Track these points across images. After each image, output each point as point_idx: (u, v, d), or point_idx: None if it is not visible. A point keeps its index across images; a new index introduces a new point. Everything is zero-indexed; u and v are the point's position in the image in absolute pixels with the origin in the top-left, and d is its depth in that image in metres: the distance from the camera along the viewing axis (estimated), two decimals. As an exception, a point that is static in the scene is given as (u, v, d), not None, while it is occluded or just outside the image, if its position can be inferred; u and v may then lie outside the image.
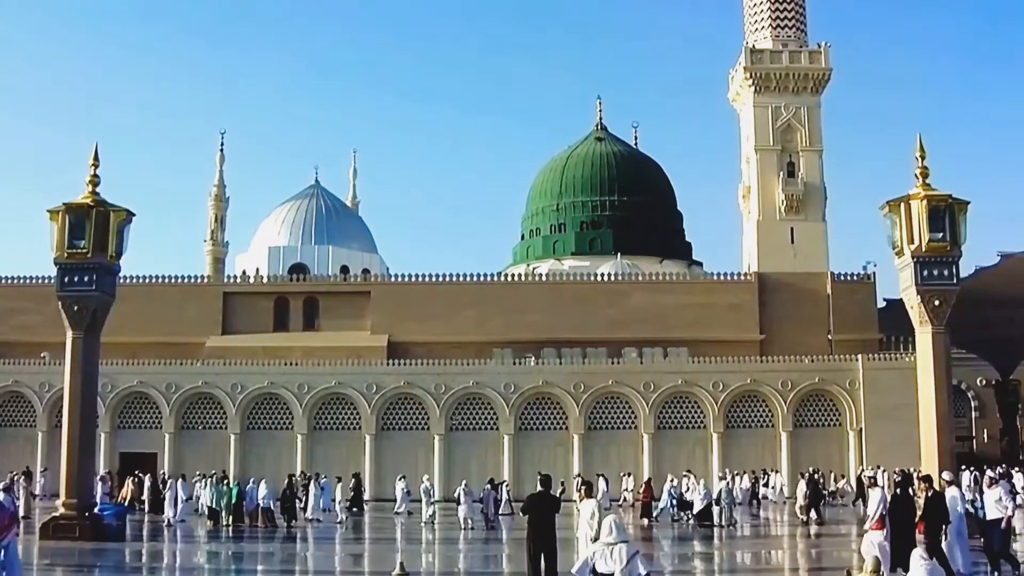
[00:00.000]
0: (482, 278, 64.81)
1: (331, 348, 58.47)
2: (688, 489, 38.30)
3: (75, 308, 28.18)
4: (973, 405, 67.35)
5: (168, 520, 35.17)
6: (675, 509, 37.78)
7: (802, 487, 37.08)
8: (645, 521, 36.89)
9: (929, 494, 18.43)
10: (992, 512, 18.76)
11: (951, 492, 19.06)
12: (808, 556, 27.08)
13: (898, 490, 19.07)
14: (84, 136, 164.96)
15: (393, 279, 65.93)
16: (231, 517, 35.08)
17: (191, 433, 54.66)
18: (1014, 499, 19.10)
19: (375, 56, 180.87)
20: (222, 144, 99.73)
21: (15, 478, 37.63)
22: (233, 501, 35.30)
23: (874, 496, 18.60)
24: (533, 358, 56.80)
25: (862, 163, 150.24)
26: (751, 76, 65.68)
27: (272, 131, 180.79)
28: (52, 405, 51.52)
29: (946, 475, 21.21)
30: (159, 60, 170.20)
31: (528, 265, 77.05)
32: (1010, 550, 19.31)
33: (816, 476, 40.71)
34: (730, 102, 70.71)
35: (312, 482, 40.08)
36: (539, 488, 17.14)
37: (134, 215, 29.36)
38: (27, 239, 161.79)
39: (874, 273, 63.76)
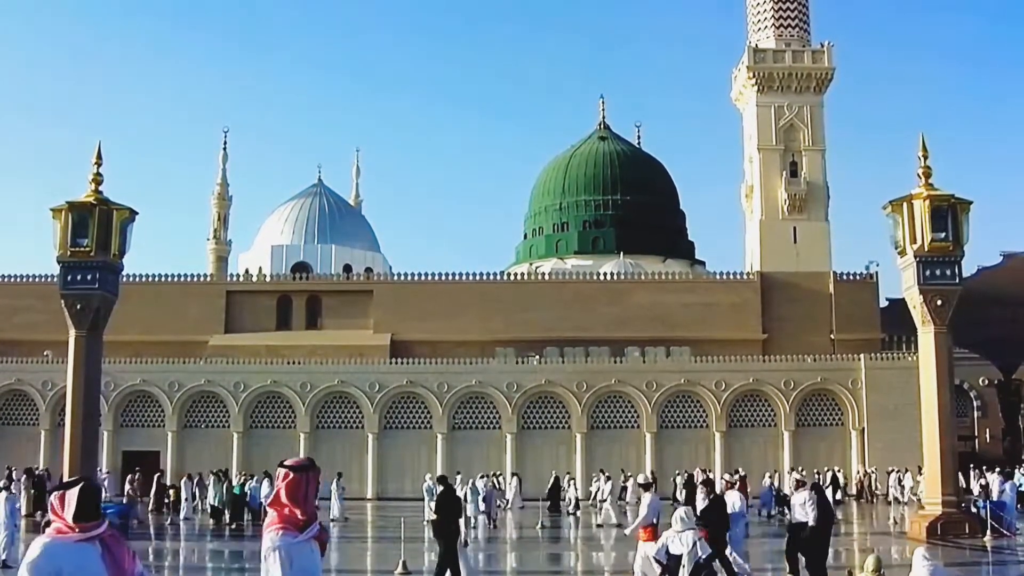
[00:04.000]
0: (485, 277, 64.83)
1: (334, 347, 58.55)
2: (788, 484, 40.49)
3: (78, 306, 28.17)
4: (975, 405, 67.38)
5: (171, 519, 35.23)
6: (772, 505, 39.03)
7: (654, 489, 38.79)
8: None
9: (711, 498, 18.06)
10: (798, 515, 17.98)
11: (731, 496, 18.29)
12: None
13: (815, 495, 18.38)
14: (87, 134, 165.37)
15: (396, 278, 66.02)
16: (233, 515, 35.12)
17: (194, 431, 54.70)
18: (819, 505, 18.22)
19: (378, 55, 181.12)
20: (225, 142, 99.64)
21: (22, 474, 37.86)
22: (238, 497, 35.36)
23: (644, 500, 16.75)
24: (536, 357, 56.79)
25: (865, 163, 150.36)
26: (754, 76, 65.70)
27: (275, 130, 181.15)
28: (55, 403, 51.50)
29: (726, 476, 20.74)
30: (162, 58, 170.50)
31: (531, 264, 77.07)
32: (822, 559, 17.92)
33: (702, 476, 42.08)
34: (733, 102, 70.74)
35: (335, 482, 39.87)
36: (442, 488, 18.69)
37: (137, 213, 29.35)
38: (30, 237, 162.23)
39: (876, 273, 63.86)
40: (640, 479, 19.56)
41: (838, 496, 46.49)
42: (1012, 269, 49.79)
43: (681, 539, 14.20)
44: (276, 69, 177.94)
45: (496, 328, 60.29)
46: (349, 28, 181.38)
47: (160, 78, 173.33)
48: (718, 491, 19.36)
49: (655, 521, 16.15)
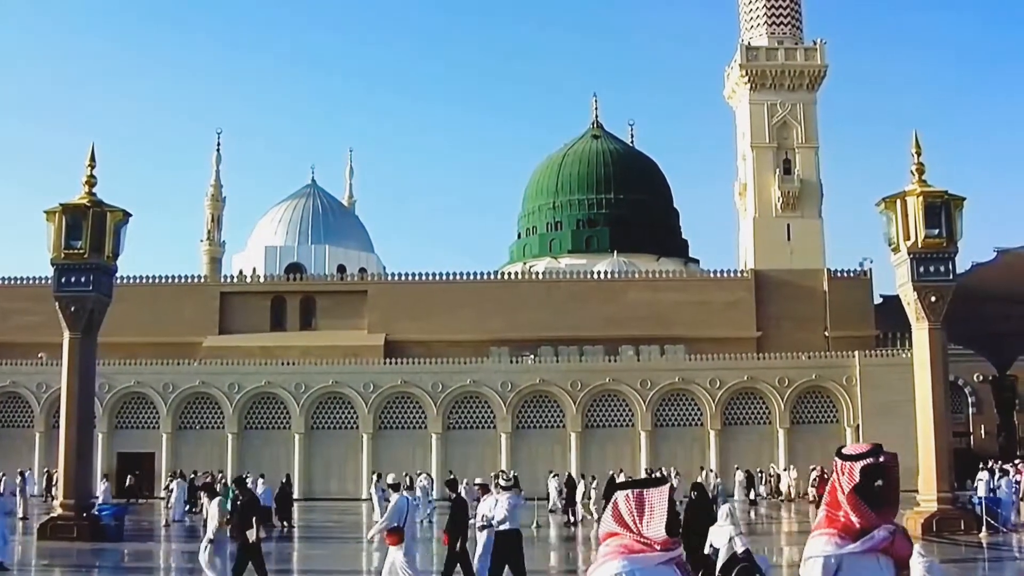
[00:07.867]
0: (479, 277, 64.82)
1: (328, 347, 58.45)
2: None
3: (72, 308, 28.14)
4: (970, 401, 67.39)
5: (167, 520, 35.16)
6: None
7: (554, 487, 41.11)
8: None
9: (452, 499, 17.63)
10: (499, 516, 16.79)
11: (486, 500, 17.43)
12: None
13: (694, 494, 18.22)
14: (81, 136, 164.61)
15: (390, 278, 65.98)
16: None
17: (188, 433, 54.58)
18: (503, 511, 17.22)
19: (371, 55, 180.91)
20: (218, 144, 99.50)
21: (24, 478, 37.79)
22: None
23: (391, 501, 15.72)
24: (530, 356, 56.78)
25: (858, 160, 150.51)
26: (747, 73, 65.71)
27: (268, 130, 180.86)
28: (50, 405, 51.37)
29: (479, 480, 20.13)
30: (155, 60, 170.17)
31: (525, 263, 77.05)
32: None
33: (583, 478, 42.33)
34: (726, 99, 70.75)
35: (373, 484, 39.62)
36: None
37: (131, 215, 29.33)
38: (24, 239, 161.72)
39: (870, 269, 63.92)
40: (389, 479, 18.33)
41: (752, 496, 47.82)
42: (1006, 265, 49.79)
43: (719, 533, 14.48)
44: (269, 70, 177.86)
45: (490, 328, 60.25)
46: (341, 28, 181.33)
47: (153, 80, 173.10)
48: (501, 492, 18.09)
49: (401, 524, 15.20)
